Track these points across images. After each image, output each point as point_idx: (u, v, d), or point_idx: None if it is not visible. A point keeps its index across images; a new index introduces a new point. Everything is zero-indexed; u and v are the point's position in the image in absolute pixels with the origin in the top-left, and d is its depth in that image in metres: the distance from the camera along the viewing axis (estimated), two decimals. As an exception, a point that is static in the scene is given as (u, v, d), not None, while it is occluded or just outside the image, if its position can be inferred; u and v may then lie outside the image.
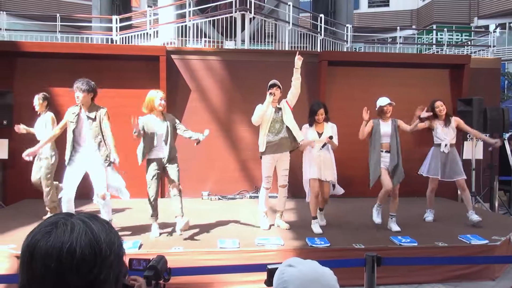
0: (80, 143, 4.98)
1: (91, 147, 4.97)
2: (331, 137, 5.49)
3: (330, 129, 5.61)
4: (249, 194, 8.27)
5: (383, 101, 5.67)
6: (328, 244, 4.89)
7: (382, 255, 3.52)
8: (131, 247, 4.65)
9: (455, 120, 6.13)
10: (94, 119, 4.90)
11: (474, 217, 5.89)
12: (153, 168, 5.11)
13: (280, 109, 5.61)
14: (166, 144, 5.09)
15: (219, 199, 8.08)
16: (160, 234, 5.27)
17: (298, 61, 5.44)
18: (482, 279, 4.87)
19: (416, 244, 4.96)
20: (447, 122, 6.07)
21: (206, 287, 4.46)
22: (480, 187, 8.48)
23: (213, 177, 8.31)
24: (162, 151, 5.12)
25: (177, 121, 5.33)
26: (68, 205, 5.00)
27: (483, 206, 8.00)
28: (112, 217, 5.32)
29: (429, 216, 6.31)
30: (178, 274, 3.54)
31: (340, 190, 5.89)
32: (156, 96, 5.12)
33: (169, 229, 5.44)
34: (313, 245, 4.88)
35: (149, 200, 5.19)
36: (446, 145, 6.00)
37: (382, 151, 5.65)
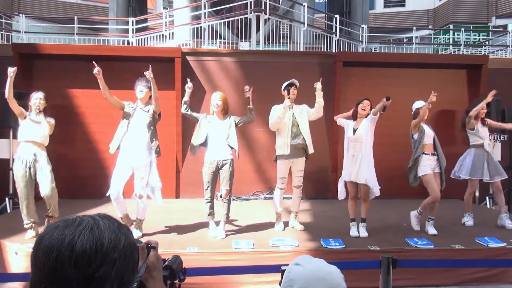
0: (130, 137, 5.16)
1: (141, 140, 5.15)
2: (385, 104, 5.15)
3: (368, 122, 5.29)
4: (263, 195, 8.27)
5: (419, 103, 5.73)
6: (343, 246, 4.86)
7: (398, 257, 3.50)
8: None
9: (487, 120, 6.23)
10: (147, 112, 5.27)
11: (508, 223, 5.79)
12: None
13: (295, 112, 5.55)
14: None
15: (234, 200, 8.07)
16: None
17: (319, 84, 5.44)
18: (500, 282, 4.80)
19: (432, 246, 4.91)
20: (484, 121, 6.14)
21: (221, 288, 4.48)
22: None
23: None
24: None
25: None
26: (116, 203, 5.13)
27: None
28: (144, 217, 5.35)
29: (469, 221, 6.02)
30: (193, 274, 3.56)
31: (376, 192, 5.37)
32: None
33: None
34: (327, 246, 4.86)
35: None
36: (488, 144, 6.07)
37: (429, 154, 5.55)
